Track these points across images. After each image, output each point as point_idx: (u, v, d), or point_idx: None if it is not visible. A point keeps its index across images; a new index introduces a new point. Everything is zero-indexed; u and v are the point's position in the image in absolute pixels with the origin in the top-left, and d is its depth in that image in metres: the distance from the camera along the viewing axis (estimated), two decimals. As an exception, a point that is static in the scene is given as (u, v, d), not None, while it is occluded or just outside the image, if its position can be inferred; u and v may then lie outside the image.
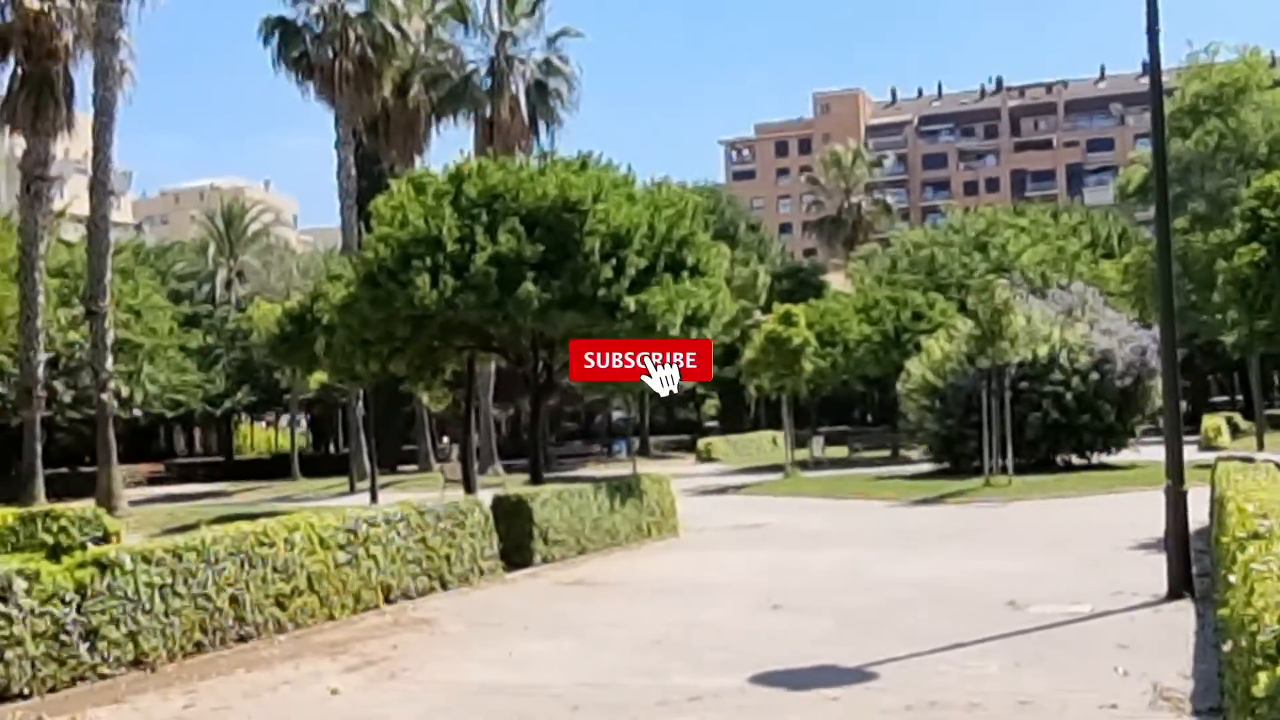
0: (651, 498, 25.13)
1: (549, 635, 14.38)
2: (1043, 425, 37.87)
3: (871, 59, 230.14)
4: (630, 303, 25.28)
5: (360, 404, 50.97)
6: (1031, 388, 37.76)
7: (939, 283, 63.89)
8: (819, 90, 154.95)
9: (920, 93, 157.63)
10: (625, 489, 24.38)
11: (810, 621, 14.55)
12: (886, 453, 54.12)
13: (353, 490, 48.70)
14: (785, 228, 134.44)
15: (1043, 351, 38.32)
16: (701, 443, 66.03)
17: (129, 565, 12.64)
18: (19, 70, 43.59)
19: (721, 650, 12.91)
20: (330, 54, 53.44)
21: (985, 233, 71.84)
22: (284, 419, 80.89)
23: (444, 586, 17.74)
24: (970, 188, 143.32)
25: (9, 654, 11.20)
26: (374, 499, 37.74)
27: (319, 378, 47.97)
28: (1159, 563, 15.52)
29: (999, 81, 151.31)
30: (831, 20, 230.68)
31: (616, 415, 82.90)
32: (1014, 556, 19.79)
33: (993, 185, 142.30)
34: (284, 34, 53.93)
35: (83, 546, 14.46)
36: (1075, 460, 39.67)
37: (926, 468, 41.39)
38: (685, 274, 26.76)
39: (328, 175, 56.04)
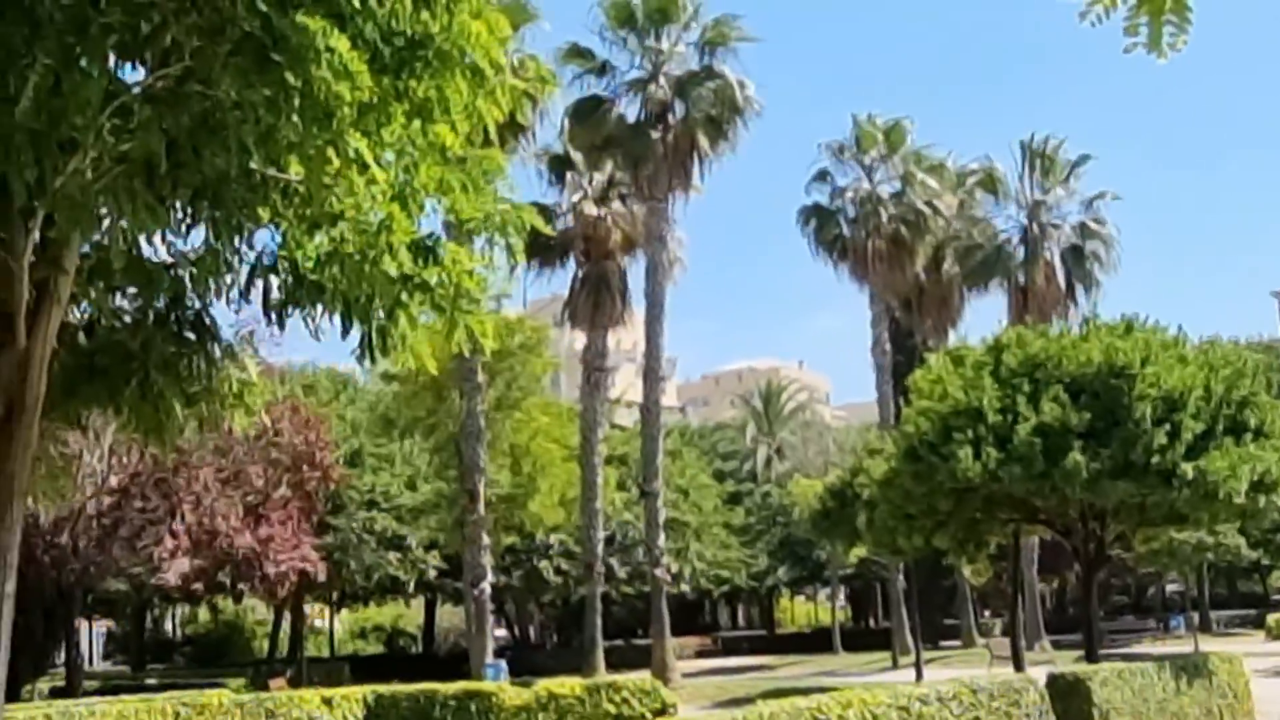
0: (1222, 678, 23.37)
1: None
2: None
3: None
4: (1188, 469, 23.93)
5: (901, 577, 50.76)
6: None
7: None
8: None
9: None
10: (1192, 668, 22.82)
11: None
12: None
13: (895, 665, 48.27)
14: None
15: None
16: (1271, 618, 60.85)
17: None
18: (579, 271, 47.75)
19: None
20: (864, 234, 54.96)
21: None
22: (823, 593, 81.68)
23: (1002, 768, 17.15)
24: None
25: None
26: (919, 675, 37.23)
27: (859, 552, 48.28)
28: None
29: None
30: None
31: (1171, 588, 77.94)
32: None
33: None
34: (819, 219, 56.30)
35: (643, 718, 15.12)
36: None
37: None
38: (1248, 436, 25.12)
39: (858, 351, 57.22)
